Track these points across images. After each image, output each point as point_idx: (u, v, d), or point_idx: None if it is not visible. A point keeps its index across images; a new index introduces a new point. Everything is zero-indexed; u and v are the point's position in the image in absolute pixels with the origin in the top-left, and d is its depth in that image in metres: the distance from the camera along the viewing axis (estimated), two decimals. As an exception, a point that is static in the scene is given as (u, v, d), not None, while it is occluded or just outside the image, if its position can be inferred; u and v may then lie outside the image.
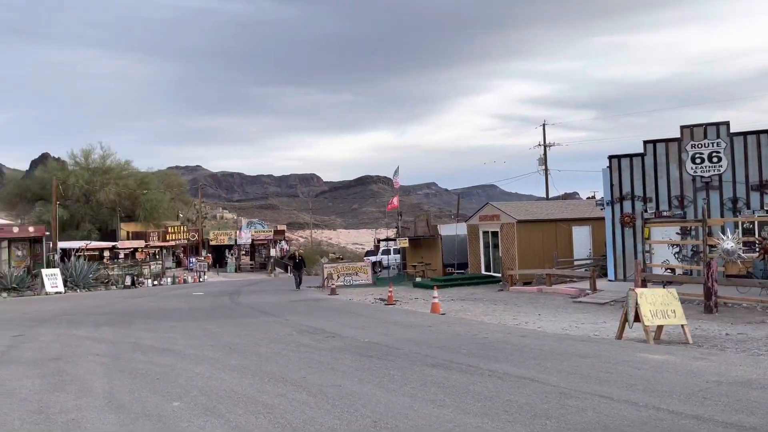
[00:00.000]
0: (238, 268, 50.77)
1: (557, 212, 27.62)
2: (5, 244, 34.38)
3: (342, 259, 55.24)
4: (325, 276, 28.35)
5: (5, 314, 18.81)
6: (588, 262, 24.78)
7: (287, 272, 50.38)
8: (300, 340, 11.32)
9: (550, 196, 43.36)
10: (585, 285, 20.57)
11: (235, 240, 52.46)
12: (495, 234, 27.44)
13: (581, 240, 25.96)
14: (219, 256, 53.17)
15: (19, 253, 35.30)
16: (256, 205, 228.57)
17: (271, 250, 51.57)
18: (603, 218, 22.15)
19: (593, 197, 34.58)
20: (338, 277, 28.96)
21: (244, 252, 53.57)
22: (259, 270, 51.59)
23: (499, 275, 25.84)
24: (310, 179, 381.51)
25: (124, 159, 54.79)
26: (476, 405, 6.28)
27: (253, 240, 52.91)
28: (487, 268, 28.22)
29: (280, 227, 62.88)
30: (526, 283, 23.77)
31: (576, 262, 25.04)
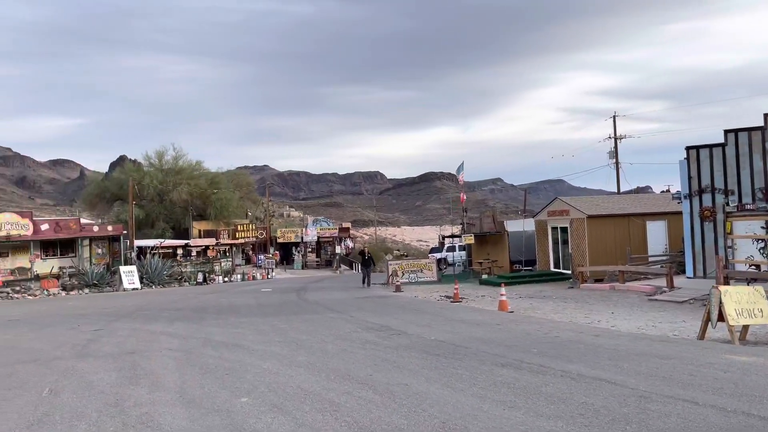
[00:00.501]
0: (305, 265, 51.58)
1: (630, 206, 26.54)
2: (87, 242, 36.25)
3: (406, 256, 55.20)
4: (390, 273, 28.33)
5: (87, 309, 19.74)
6: (664, 258, 23.68)
7: (352, 269, 50.82)
8: (366, 337, 11.28)
9: (622, 190, 41.80)
10: (661, 282, 19.65)
11: (302, 237, 53.31)
12: (564, 230, 26.66)
13: (656, 235, 24.84)
14: (286, 254, 54.17)
15: (100, 251, 37.12)
16: (321, 203, 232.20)
17: (337, 247, 52.15)
18: (680, 212, 21.08)
19: (668, 191, 33.05)
20: (403, 274, 28.87)
21: (310, 249, 54.37)
22: (324, 267, 52.24)
23: (569, 272, 25.08)
24: (374, 177, 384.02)
25: (195, 160, 56.82)
26: (549, 407, 6.00)
27: (318, 237, 53.63)
28: (556, 265, 27.46)
29: (345, 225, 63.52)
30: (597, 281, 22.95)
31: (651, 259, 23.98)
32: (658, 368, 7.69)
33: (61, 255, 35.25)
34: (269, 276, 42.31)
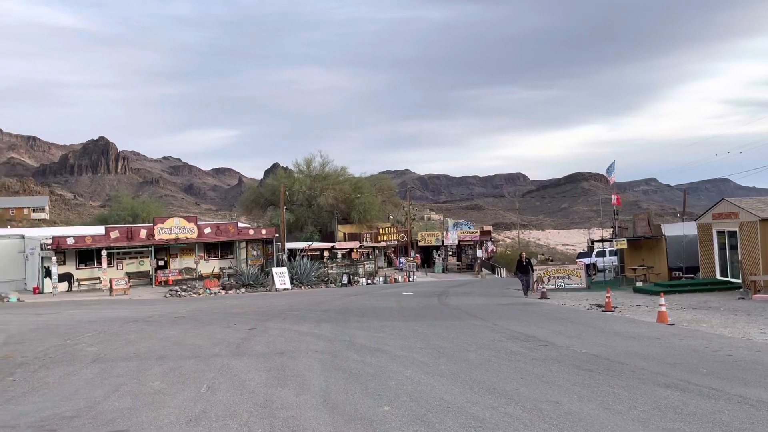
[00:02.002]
0: (445, 269, 51.42)
1: (814, 208, 23.31)
2: (243, 244, 38.86)
3: (551, 260, 53.11)
4: (535, 279, 27.30)
5: (244, 308, 21.04)
6: None
7: (494, 273, 49.78)
8: (510, 347, 10.81)
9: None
10: None
11: (442, 241, 53.23)
12: (732, 234, 24.04)
13: None
14: (427, 257, 54.38)
15: (255, 252, 39.65)
16: (462, 206, 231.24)
17: (478, 250, 51.37)
18: None
19: None
20: (548, 280, 27.74)
21: (450, 253, 54.12)
22: (465, 271, 51.72)
23: (739, 281, 22.56)
24: (516, 179, 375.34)
25: (340, 166, 59.08)
26: (727, 441, 5.25)
27: (459, 241, 53.22)
28: (723, 273, 24.83)
29: (486, 228, 62.44)
30: (774, 291, 20.37)
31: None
32: None
33: (221, 256, 38.16)
34: (410, 279, 42.67)
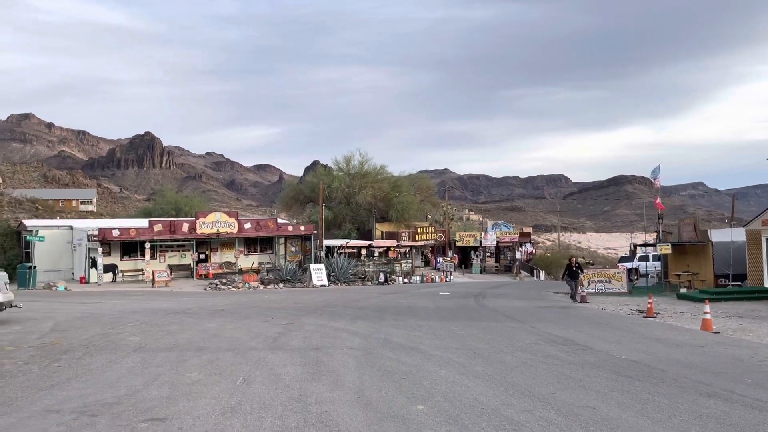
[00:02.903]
0: (483, 270, 51.01)
1: None
2: (282, 240, 39.32)
3: (592, 264, 52.13)
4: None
5: (281, 303, 21.29)
6: None
7: (533, 276, 49.17)
8: (547, 350, 10.67)
9: None
10: None
11: (480, 241, 52.83)
12: (783, 241, 23.17)
13: None
14: (464, 257, 54.08)
15: (293, 248, 40.09)
16: (501, 207, 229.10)
17: (516, 252, 50.83)
18: None
19: None
20: (589, 284, 27.27)
21: (489, 254, 53.68)
22: (503, 272, 51.24)
23: (790, 290, 21.72)
24: (557, 180, 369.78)
25: (379, 164, 59.02)
26: (773, 454, 5.07)
27: (498, 242, 52.73)
28: (773, 281, 23.98)
29: (526, 229, 61.72)
30: (827, 302, 19.56)
31: None
32: None
33: (260, 251, 38.70)
34: (447, 279, 42.49)
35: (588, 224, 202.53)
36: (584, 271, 27.30)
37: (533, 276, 49.33)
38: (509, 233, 53.53)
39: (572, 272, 24.40)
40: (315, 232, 39.39)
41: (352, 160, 57.27)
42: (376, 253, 42.49)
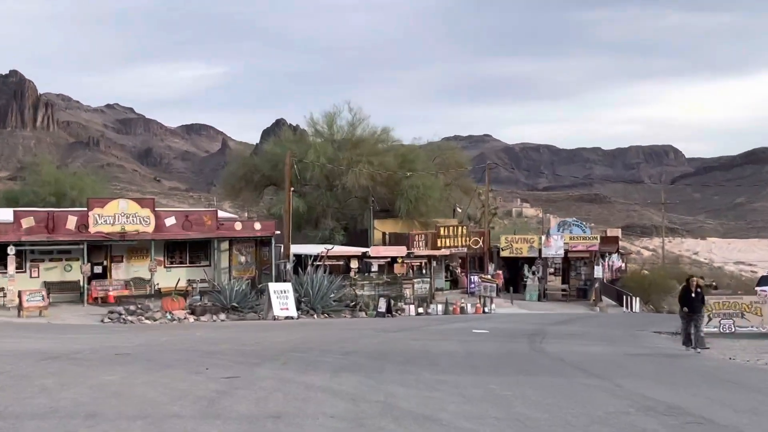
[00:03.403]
0: (543, 295, 51.07)
1: None
2: (225, 245, 39.36)
3: (716, 287, 52.01)
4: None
5: (222, 344, 21.29)
6: None
7: (621, 305, 49.21)
8: (643, 423, 10.69)
9: None
10: None
11: (539, 250, 52.80)
12: None
13: None
14: (514, 275, 54.13)
15: (243, 258, 40.11)
16: (573, 196, 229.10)
17: (596, 268, 50.83)
18: None
19: None
20: (709, 319, 27.30)
21: (552, 270, 53.69)
22: (575, 299, 51.31)
23: None
24: (662, 155, 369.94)
25: (380, 126, 58.91)
26: None
27: (567, 251, 52.73)
28: None
29: (612, 232, 61.86)
30: None
31: None
32: None
33: (190, 262, 38.74)
34: (486, 309, 42.50)
35: (709, 224, 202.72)
36: (704, 299, 26.81)
37: (622, 305, 49.32)
38: (585, 238, 53.51)
39: (691, 300, 23.37)
40: (278, 232, 39.40)
41: (337, 120, 57.31)
42: (375, 267, 42.49)
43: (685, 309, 23.22)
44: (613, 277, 55.24)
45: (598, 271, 50.50)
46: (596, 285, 49.42)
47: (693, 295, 23.37)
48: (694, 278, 23.99)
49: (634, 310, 47.95)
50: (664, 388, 14.22)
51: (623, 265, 61.07)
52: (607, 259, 54.26)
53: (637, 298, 49.32)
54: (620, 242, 62.49)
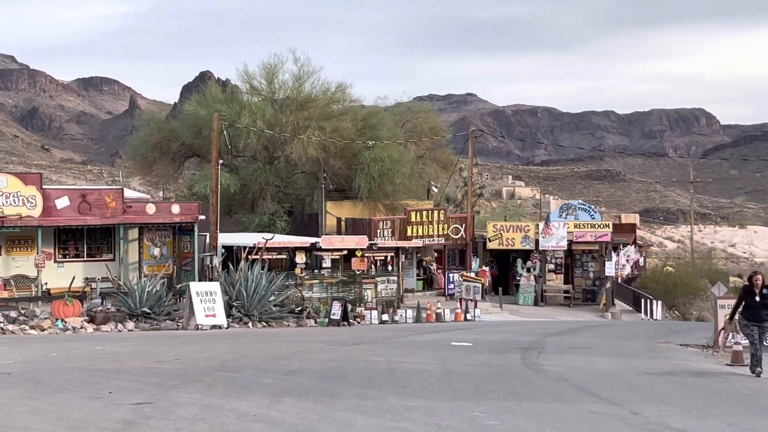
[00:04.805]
0: (541, 297, 51.39)
1: None
2: (135, 234, 39.08)
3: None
4: (721, 326, 27.19)
5: (127, 360, 21.19)
6: None
7: (638, 311, 49.69)
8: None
9: None
10: None
11: (536, 241, 53.11)
12: None
13: None
14: (504, 272, 54.42)
15: (157, 251, 39.87)
16: (579, 172, 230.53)
17: (606, 264, 51.24)
18: None
19: None
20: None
21: (553, 266, 54.03)
22: (581, 304, 51.71)
23: None
24: (690, 120, 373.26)
25: (334, 82, 58.65)
26: None
27: (571, 242, 53.10)
28: None
29: (627, 218, 62.47)
30: None
31: None
32: None
33: (89, 256, 38.38)
34: (469, 316, 42.67)
35: (750, 209, 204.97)
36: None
37: (639, 311, 49.76)
38: (594, 226, 53.91)
39: (757, 308, 21.78)
40: (202, 217, 39.24)
41: (279, 74, 57.11)
42: (327, 263, 42.52)
43: (749, 319, 21.79)
44: (629, 275, 55.74)
45: (609, 268, 50.93)
46: (607, 285, 49.82)
47: (758, 298, 21.71)
48: (759, 276, 21.90)
49: (654, 317, 48.37)
50: (689, 417, 14.35)
51: (641, 259, 61.69)
52: (621, 253, 54.69)
53: (659, 302, 49.82)
54: (638, 231, 63.10)
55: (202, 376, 18.04)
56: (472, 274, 48.09)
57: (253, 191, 52.77)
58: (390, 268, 46.09)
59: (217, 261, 37.60)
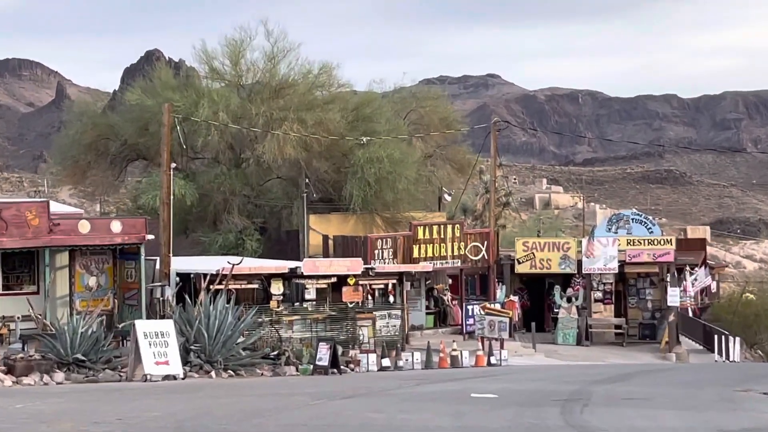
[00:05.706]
0: (586, 335, 51.41)
1: None
2: (64, 259, 39.06)
3: None
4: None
5: (54, 423, 21.13)
6: None
7: (710, 350, 49.62)
8: None
9: None
10: None
11: (578, 262, 53.13)
12: None
13: None
14: (536, 302, 54.46)
15: (92, 281, 39.86)
16: (633, 174, 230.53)
17: (669, 291, 51.24)
18: None
19: None
20: None
21: (601, 294, 54.03)
22: (637, 341, 51.73)
23: None
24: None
25: (316, 63, 58.72)
26: None
27: (623, 263, 53.11)
28: None
29: (695, 232, 62.51)
30: None
31: None
32: None
33: (5, 289, 38.36)
34: (494, 359, 42.67)
35: None
36: None
37: (712, 350, 49.71)
38: (652, 242, 53.92)
39: None
40: (151, 237, 39.25)
41: (247, 52, 57.24)
42: (311, 293, 42.51)
43: None
44: (699, 305, 55.78)
45: (673, 296, 50.90)
46: (670, 318, 49.83)
47: None
48: None
49: (731, 358, 48.31)
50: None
51: (714, 285, 61.68)
52: (687, 277, 54.72)
53: (737, 339, 49.79)
54: (709, 248, 63.14)
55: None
56: (497, 306, 48.05)
57: (216, 203, 52.80)
58: (392, 299, 46.10)
59: (170, 293, 37.61)
